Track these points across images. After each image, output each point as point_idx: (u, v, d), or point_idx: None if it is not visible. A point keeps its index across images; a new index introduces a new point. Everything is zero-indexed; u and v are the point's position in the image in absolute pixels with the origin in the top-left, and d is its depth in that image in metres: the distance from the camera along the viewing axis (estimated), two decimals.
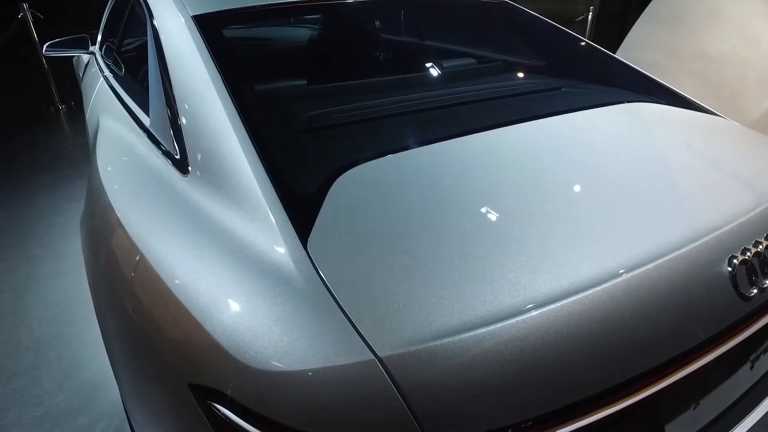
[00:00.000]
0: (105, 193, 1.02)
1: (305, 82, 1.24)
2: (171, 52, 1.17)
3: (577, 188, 0.87)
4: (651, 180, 0.90)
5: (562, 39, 1.64)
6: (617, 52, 4.13)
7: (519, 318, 0.60)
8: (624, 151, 1.01)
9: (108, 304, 0.94)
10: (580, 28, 5.08)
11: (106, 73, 1.89)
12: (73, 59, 3.29)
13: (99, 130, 1.42)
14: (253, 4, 1.33)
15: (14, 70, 6.45)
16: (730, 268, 0.72)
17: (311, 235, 0.71)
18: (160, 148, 1.05)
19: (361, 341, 0.57)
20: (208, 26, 1.21)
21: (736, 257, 0.73)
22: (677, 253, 0.70)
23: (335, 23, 1.53)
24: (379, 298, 0.62)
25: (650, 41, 3.75)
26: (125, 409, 1.06)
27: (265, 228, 0.73)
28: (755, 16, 2.98)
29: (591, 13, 4.51)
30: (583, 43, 1.60)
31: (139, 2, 1.51)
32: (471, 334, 0.58)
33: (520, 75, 1.62)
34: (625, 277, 0.66)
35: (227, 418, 0.60)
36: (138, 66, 1.51)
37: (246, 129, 0.90)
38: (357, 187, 0.82)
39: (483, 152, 0.95)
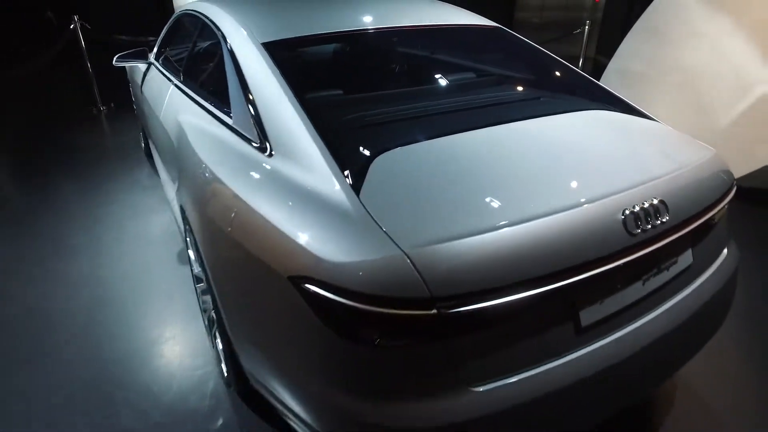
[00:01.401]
0: (211, 171, 1.46)
1: (346, 90, 1.70)
2: (248, 69, 1.61)
3: (549, 151, 1.33)
4: (592, 157, 1.35)
5: (542, 58, 2.07)
6: (611, 61, 4.55)
7: (507, 221, 1.03)
8: (578, 140, 1.44)
9: (220, 244, 1.38)
10: (577, 39, 5.49)
11: (176, 81, 2.34)
12: (128, 67, 3.76)
13: (184, 126, 1.87)
14: (302, 34, 1.79)
15: (60, 74, 6.97)
16: (623, 217, 1.15)
17: (361, 189, 1.14)
18: (244, 139, 1.49)
19: (395, 245, 1.00)
20: (272, 50, 1.65)
21: (628, 209, 1.16)
22: (604, 200, 1.14)
23: (366, 46, 1.99)
24: (407, 221, 1.05)
25: (637, 53, 4.16)
26: (221, 330, 1.49)
27: (330, 186, 1.17)
28: (724, 34, 3.38)
29: (587, 27, 4.91)
30: (557, 63, 2.03)
31: (214, 32, 1.96)
32: (474, 235, 1.00)
33: (509, 86, 2.05)
34: (581, 198, 1.11)
35: (315, 292, 1.03)
36: (213, 78, 1.97)
37: (310, 122, 1.34)
38: (391, 162, 1.25)
39: (484, 141, 1.39)
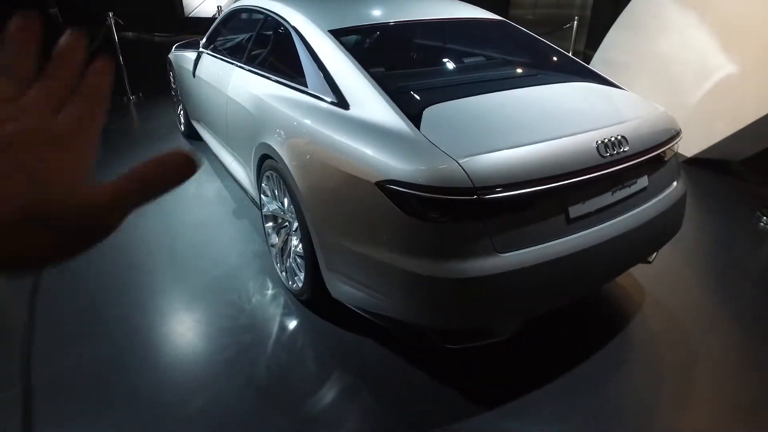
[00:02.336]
0: (301, 122, 1.99)
1: (394, 65, 2.25)
2: (320, 49, 2.15)
3: (547, 106, 1.89)
4: (577, 108, 1.91)
5: (540, 44, 2.63)
6: (597, 52, 5.13)
7: (519, 143, 1.58)
8: (568, 99, 2.00)
9: (314, 172, 1.89)
10: (567, 32, 6.07)
11: (240, 64, 2.85)
12: (172, 59, 4.26)
13: (262, 96, 2.39)
14: (357, 24, 2.32)
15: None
16: (596, 144, 1.70)
17: (420, 126, 1.68)
18: (322, 100, 2.02)
19: (449, 156, 1.54)
20: (337, 35, 2.19)
21: (601, 140, 1.71)
22: (584, 134, 1.69)
23: (406, 33, 2.58)
24: (453, 143, 1.59)
25: (619, 45, 4.74)
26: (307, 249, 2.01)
27: (399, 125, 1.70)
28: (691, 26, 3.97)
29: (576, 22, 5.49)
30: (552, 48, 2.59)
31: (281, 24, 2.49)
32: (499, 150, 1.55)
33: (515, 65, 2.61)
34: (569, 131, 1.66)
35: (397, 190, 1.56)
36: (285, 58, 2.49)
37: (378, 85, 1.88)
38: (437, 110, 1.79)
39: (501, 99, 1.94)
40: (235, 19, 3.36)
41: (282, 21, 2.50)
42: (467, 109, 1.86)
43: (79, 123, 0.33)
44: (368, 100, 1.87)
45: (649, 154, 1.86)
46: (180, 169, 0.36)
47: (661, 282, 2.55)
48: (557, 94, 2.07)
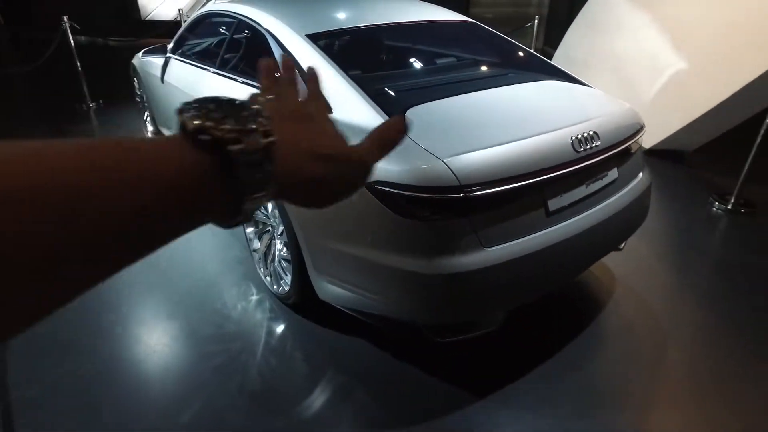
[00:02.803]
0: None
1: (370, 68, 2.29)
2: (299, 53, 2.16)
3: (522, 104, 1.97)
4: (551, 106, 2.00)
5: (508, 44, 2.72)
6: (557, 50, 5.32)
7: (500, 142, 1.65)
8: (542, 97, 2.09)
9: None
10: (528, 31, 6.27)
11: (213, 69, 2.83)
12: (135, 62, 4.16)
13: None
14: (334, 28, 2.35)
15: (50, 71, 7.06)
16: (571, 140, 1.79)
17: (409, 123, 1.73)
18: None
19: (435, 156, 1.59)
20: (314, 39, 2.21)
21: (575, 136, 1.80)
22: (559, 130, 1.78)
23: (380, 37, 2.62)
24: (438, 143, 1.65)
25: (579, 43, 4.94)
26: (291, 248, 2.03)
27: (374, 122, 1.75)
28: (643, 26, 4.19)
29: (537, 21, 5.67)
30: (520, 47, 2.69)
31: (255, 28, 2.49)
32: (482, 149, 1.61)
33: (488, 65, 2.69)
34: (545, 129, 1.74)
35: (386, 190, 1.61)
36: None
37: (359, 87, 1.91)
38: (419, 111, 1.84)
39: (478, 99, 2.01)
40: (204, 23, 3.32)
41: (257, 26, 2.50)
42: (447, 109, 1.92)
43: (320, 108, 0.51)
44: (350, 103, 1.90)
45: (618, 147, 1.98)
46: (399, 128, 0.51)
47: (627, 267, 2.69)
48: (530, 93, 2.16)
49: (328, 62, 2.06)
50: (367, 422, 1.82)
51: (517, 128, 1.79)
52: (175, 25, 8.25)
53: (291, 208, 1.97)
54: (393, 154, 1.62)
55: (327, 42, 2.24)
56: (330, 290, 1.99)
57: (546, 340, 2.20)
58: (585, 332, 2.25)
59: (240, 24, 2.70)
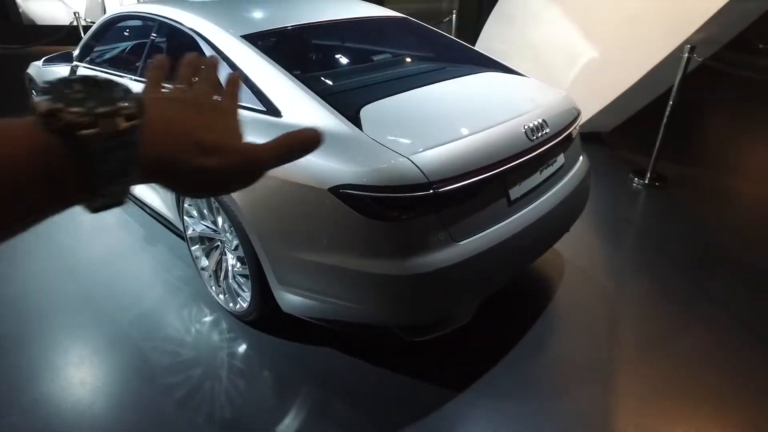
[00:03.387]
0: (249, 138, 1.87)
1: (314, 67, 2.20)
2: (236, 56, 2.03)
3: (471, 97, 1.99)
4: (500, 98, 2.04)
5: (443, 38, 2.75)
6: (477, 43, 5.50)
7: (460, 135, 1.65)
8: (488, 88, 2.13)
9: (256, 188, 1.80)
10: (447, 26, 6.44)
11: (133, 77, 2.59)
12: (31, 73, 3.71)
13: None
14: (270, 28, 2.23)
15: None
16: (524, 129, 1.84)
17: (362, 126, 1.68)
18: (248, 109, 1.91)
19: (399, 154, 1.56)
20: (251, 40, 2.09)
21: (527, 125, 1.86)
22: (512, 120, 1.81)
23: (317, 35, 2.53)
24: (400, 140, 1.62)
25: (497, 35, 5.13)
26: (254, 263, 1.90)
27: (341, 128, 1.68)
28: (556, 19, 4.44)
29: (455, 15, 5.83)
30: (453, 40, 2.73)
31: (181, 31, 2.30)
32: (445, 143, 1.61)
33: (426, 60, 2.70)
34: (499, 120, 1.76)
35: (352, 193, 1.55)
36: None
37: (307, 88, 1.83)
38: (372, 109, 1.80)
39: (428, 93, 2.01)
40: (115, 27, 3.02)
41: (184, 28, 2.31)
42: (399, 106, 1.90)
43: (229, 106, 0.47)
44: (300, 105, 1.81)
45: (564, 133, 2.07)
46: (312, 139, 0.48)
47: (569, 245, 2.84)
48: (474, 85, 2.20)
49: (270, 63, 1.95)
50: None
51: (473, 121, 1.81)
52: (72, 30, 7.50)
53: (248, 221, 1.85)
54: (354, 154, 1.55)
55: (263, 43, 2.12)
56: (295, 302, 1.90)
57: (509, 326, 2.26)
58: (545, 313, 2.35)
59: (163, 27, 2.49)
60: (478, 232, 1.72)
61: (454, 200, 1.65)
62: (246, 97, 1.94)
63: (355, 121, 1.73)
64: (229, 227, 2.03)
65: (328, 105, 1.78)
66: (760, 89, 6.32)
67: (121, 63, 2.82)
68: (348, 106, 1.84)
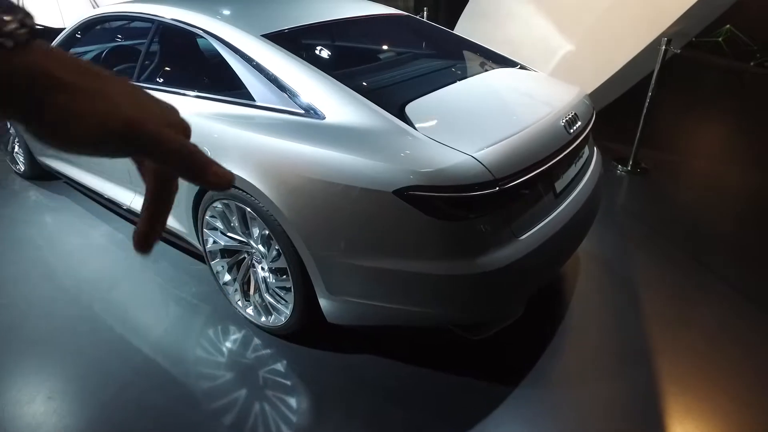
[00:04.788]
0: (278, 141, 1.75)
1: (341, 65, 2.14)
2: (263, 57, 1.93)
3: (505, 92, 2.00)
4: (531, 92, 2.06)
5: (450, 35, 2.75)
6: None
7: (514, 132, 1.64)
8: (518, 85, 2.15)
9: (306, 195, 1.68)
10: None
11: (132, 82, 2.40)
12: None
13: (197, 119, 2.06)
14: (291, 26, 2.14)
15: None
16: (563, 123, 1.87)
17: (415, 125, 1.64)
18: (285, 112, 1.82)
19: (464, 153, 1.54)
20: (274, 39, 1.99)
21: (563, 119, 1.89)
22: (552, 114, 1.84)
23: (336, 33, 2.47)
24: (456, 139, 1.59)
25: (473, 31, 5.19)
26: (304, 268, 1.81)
27: (393, 128, 1.64)
28: (532, 14, 4.56)
29: (426, 12, 5.85)
30: (460, 37, 2.74)
31: (191, 33, 2.16)
32: (503, 140, 1.60)
33: (446, 56, 2.67)
34: (542, 115, 1.78)
35: (420, 195, 1.51)
36: (210, 72, 2.17)
37: (349, 88, 1.77)
38: (415, 107, 1.75)
39: (464, 89, 2.01)
40: (97, 29, 2.79)
41: (193, 29, 2.16)
42: (441, 103, 1.88)
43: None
44: (343, 105, 1.75)
45: (589, 126, 2.12)
46: (221, 179, 0.39)
47: None
48: (501, 81, 2.21)
49: (301, 62, 1.87)
50: None
51: (518, 117, 1.81)
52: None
53: (294, 228, 1.76)
54: (416, 155, 1.56)
55: (286, 41, 2.02)
56: (344, 310, 1.83)
57: (540, 319, 2.29)
58: (565, 300, 2.40)
59: (164, 29, 2.33)
60: (534, 227, 1.73)
61: (516, 196, 1.65)
62: (276, 99, 1.85)
63: (405, 119, 1.69)
64: (265, 237, 1.93)
65: (371, 103, 1.73)
66: (730, 79, 6.82)
67: (116, 66, 2.60)
68: (392, 104, 1.79)
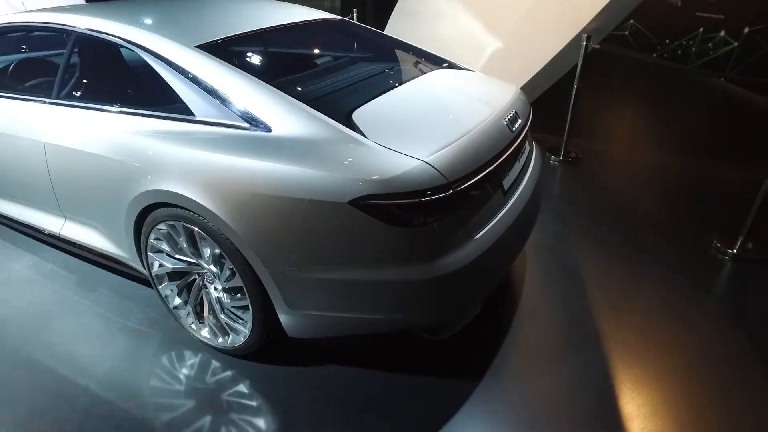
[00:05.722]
0: (225, 157, 1.67)
1: (278, 73, 2.08)
2: (199, 69, 1.84)
3: (446, 94, 2.02)
4: (471, 93, 2.12)
5: (384, 37, 2.77)
6: None
7: (461, 134, 1.68)
8: (458, 86, 2.20)
9: (258, 212, 1.62)
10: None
11: (51, 100, 2.20)
12: None
13: (125, 138, 1.92)
14: (226, 36, 2.06)
15: None
16: (505, 122, 1.95)
17: (365, 133, 1.64)
18: (227, 126, 1.75)
19: (416, 159, 1.56)
20: (210, 50, 1.91)
21: (505, 118, 1.96)
22: (495, 114, 1.90)
23: (269, 40, 2.38)
24: (408, 144, 1.61)
25: (403, 29, 5.27)
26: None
27: (342, 137, 1.62)
28: (459, 12, 4.69)
29: (355, 14, 5.85)
30: (395, 39, 2.77)
31: (114, 44, 2.02)
32: (451, 144, 1.63)
33: (380, 60, 2.66)
34: (486, 115, 1.83)
35: (377, 203, 1.51)
36: (141, 87, 2.03)
37: (291, 97, 1.74)
38: (362, 114, 1.75)
39: (404, 94, 2.02)
40: (5, 37, 2.53)
41: (119, 41, 2.02)
42: (386, 108, 1.89)
43: None
44: (290, 116, 1.71)
45: (527, 123, 2.22)
46: None
47: None
48: (441, 83, 2.26)
49: (240, 73, 1.81)
50: None
51: (463, 119, 1.86)
52: None
53: (248, 246, 1.70)
54: (369, 163, 1.60)
55: (221, 52, 1.94)
56: (306, 324, 1.81)
57: (494, 311, 2.38)
58: (522, 288, 2.51)
59: (81, 40, 2.16)
60: (487, 225, 1.79)
61: (468, 197, 1.69)
62: (217, 113, 1.78)
63: (353, 127, 1.68)
64: (216, 257, 1.86)
65: (316, 112, 1.71)
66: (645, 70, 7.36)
67: (25, 85, 2.38)
68: (338, 112, 1.78)
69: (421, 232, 1.59)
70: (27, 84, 2.56)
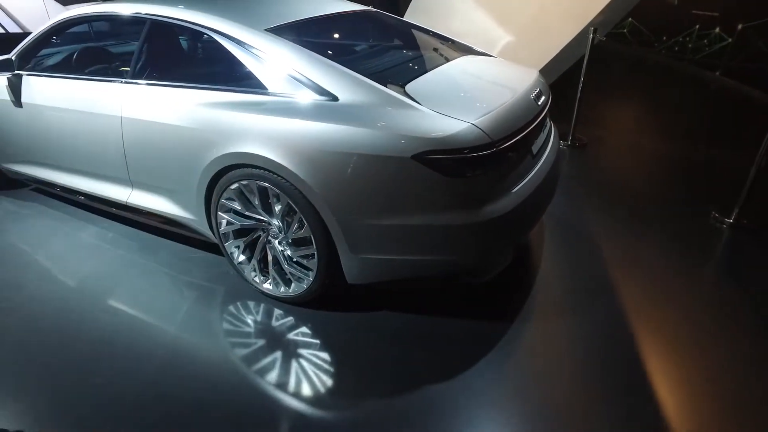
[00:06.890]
0: (299, 123, 1.95)
1: (339, 54, 2.36)
2: (270, 50, 2.12)
3: (481, 72, 2.32)
4: (500, 72, 2.41)
5: (416, 27, 3.07)
6: None
7: (499, 104, 1.97)
8: (488, 66, 2.49)
9: (332, 168, 1.90)
10: None
11: (128, 79, 2.47)
12: None
13: (205, 110, 2.19)
14: (289, 20, 2.34)
15: None
16: (533, 96, 2.24)
17: (419, 102, 1.93)
18: (295, 98, 2.03)
19: (465, 122, 1.85)
20: (278, 33, 2.20)
21: (533, 93, 2.25)
22: (525, 89, 2.19)
23: (327, 26, 2.69)
24: (455, 110, 1.90)
25: None
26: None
27: (402, 105, 1.91)
28: (471, 9, 4.99)
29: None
30: (424, 28, 3.06)
31: (192, 31, 2.30)
32: (492, 111, 1.92)
33: (418, 45, 2.96)
34: (518, 90, 2.12)
35: (436, 158, 1.80)
36: (217, 66, 2.31)
37: (356, 72, 2.02)
38: (413, 87, 2.03)
39: (447, 72, 2.30)
40: (70, 30, 2.80)
41: (194, 28, 2.30)
42: (431, 83, 2.18)
43: None
44: (353, 87, 1.99)
45: (549, 99, 2.52)
46: None
47: None
48: (476, 64, 2.56)
49: (308, 52, 2.10)
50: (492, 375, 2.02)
51: (500, 92, 2.16)
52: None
53: (321, 199, 1.96)
54: (427, 125, 2.09)
55: (289, 35, 2.23)
56: (365, 269, 2.08)
57: (518, 269, 2.67)
58: (542, 250, 2.81)
59: (156, 27, 2.43)
60: (521, 181, 2.08)
61: (507, 156, 1.98)
62: (289, 87, 2.06)
63: (409, 96, 1.97)
64: (285, 212, 2.13)
65: (377, 83, 1.99)
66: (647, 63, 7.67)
67: (103, 66, 2.65)
68: (394, 84, 2.06)
69: (471, 182, 1.88)
70: (95, 68, 2.83)
